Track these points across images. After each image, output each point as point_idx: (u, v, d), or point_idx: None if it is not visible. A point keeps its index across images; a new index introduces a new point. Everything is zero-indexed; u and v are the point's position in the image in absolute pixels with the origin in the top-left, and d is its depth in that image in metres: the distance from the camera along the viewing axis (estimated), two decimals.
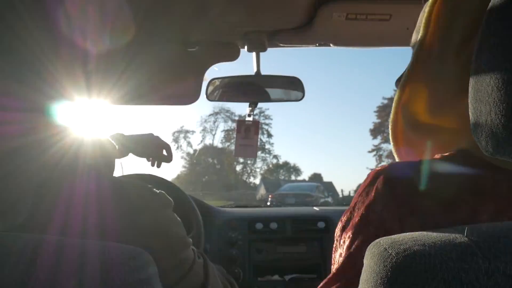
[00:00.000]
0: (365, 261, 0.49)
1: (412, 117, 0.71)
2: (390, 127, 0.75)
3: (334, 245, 0.70)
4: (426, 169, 0.64)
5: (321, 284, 0.67)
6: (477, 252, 0.42)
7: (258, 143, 1.68)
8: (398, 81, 0.80)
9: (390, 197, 0.62)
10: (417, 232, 0.48)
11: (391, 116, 0.74)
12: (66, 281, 0.43)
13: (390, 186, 0.63)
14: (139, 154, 1.51)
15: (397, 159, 0.77)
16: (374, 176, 0.66)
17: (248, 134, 1.61)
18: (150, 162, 1.55)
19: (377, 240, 0.49)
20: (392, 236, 0.48)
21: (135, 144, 1.47)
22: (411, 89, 0.71)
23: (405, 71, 0.72)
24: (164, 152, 1.54)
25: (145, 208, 0.75)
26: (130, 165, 1.76)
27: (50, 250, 0.45)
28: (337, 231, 0.69)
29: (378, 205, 0.63)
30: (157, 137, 1.55)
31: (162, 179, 1.64)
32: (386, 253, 0.45)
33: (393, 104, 0.73)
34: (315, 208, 2.22)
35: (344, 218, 0.69)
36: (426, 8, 0.70)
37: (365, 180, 0.68)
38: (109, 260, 0.46)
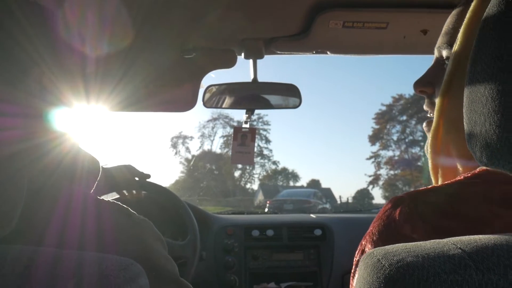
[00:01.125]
0: (358, 271, 0.49)
1: (451, 123, 0.69)
2: (430, 135, 0.73)
3: (352, 270, 0.69)
4: (451, 192, 0.63)
5: None
6: (471, 264, 0.41)
7: (256, 149, 1.68)
8: (417, 84, 0.79)
9: (418, 218, 0.60)
10: (411, 243, 0.48)
11: (433, 125, 0.72)
12: None
13: (416, 208, 0.61)
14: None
15: (430, 171, 0.75)
16: (397, 201, 0.65)
17: (245, 141, 1.61)
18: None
19: (371, 250, 0.48)
20: (386, 246, 0.48)
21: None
22: (451, 97, 0.69)
23: (444, 77, 0.70)
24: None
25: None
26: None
27: (40, 261, 0.45)
28: (357, 256, 0.67)
29: (404, 228, 0.61)
30: (130, 167, 1.52)
31: (159, 185, 1.64)
32: (379, 264, 0.44)
33: (435, 114, 0.71)
34: (312, 215, 2.22)
35: (363, 242, 0.67)
36: (468, 14, 0.67)
37: (384, 206, 0.66)
38: (100, 271, 0.45)
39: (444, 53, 0.75)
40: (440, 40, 0.76)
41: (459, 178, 0.66)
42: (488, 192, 0.61)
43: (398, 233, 0.61)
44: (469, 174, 0.65)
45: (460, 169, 0.69)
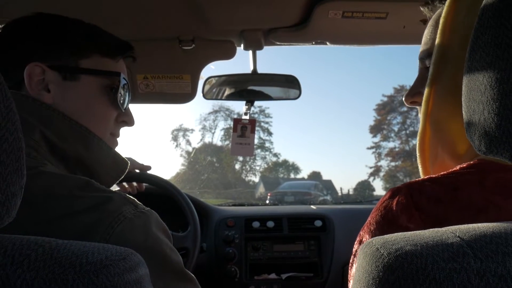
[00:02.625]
0: (357, 260, 0.49)
1: (438, 125, 0.71)
2: (418, 139, 0.75)
3: (350, 261, 0.70)
4: (446, 181, 0.64)
5: None
6: (469, 252, 0.41)
7: (257, 142, 1.68)
8: (407, 96, 0.81)
9: (413, 208, 0.61)
10: (410, 232, 0.48)
11: (420, 128, 0.75)
12: (53, 281, 0.42)
13: (413, 199, 0.62)
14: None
15: (421, 174, 0.77)
16: (394, 191, 0.66)
17: (245, 133, 1.60)
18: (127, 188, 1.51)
19: (370, 239, 0.48)
20: (385, 235, 0.48)
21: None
22: (436, 98, 0.71)
23: (427, 81, 0.73)
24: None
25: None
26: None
27: (40, 251, 0.45)
28: (355, 246, 0.69)
29: (401, 218, 0.62)
30: (130, 160, 1.51)
31: (159, 178, 1.64)
32: (378, 253, 0.44)
33: (421, 118, 0.74)
34: (312, 206, 2.22)
35: (361, 233, 0.68)
36: (441, 20, 0.71)
37: (383, 197, 0.68)
38: (100, 261, 0.45)
39: (427, 63, 0.77)
40: (421, 52, 0.79)
41: (455, 169, 0.67)
42: (483, 180, 0.62)
43: (395, 223, 0.62)
44: (465, 165, 0.66)
45: (451, 167, 0.70)
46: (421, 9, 0.83)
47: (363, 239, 0.66)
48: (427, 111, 0.72)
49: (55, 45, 0.83)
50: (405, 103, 0.83)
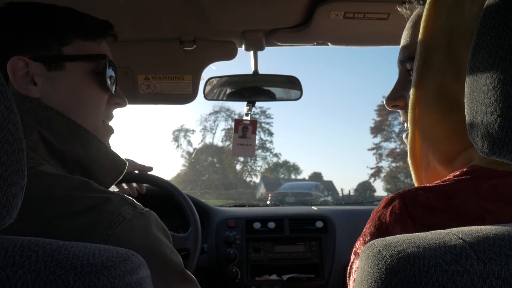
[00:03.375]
0: (359, 262, 0.49)
1: (426, 132, 0.71)
2: (408, 147, 0.74)
3: (348, 271, 0.69)
4: (441, 189, 0.63)
5: None
6: (472, 255, 0.41)
7: (258, 142, 1.68)
8: (389, 99, 0.80)
9: (407, 218, 0.61)
10: (412, 234, 0.48)
11: (409, 136, 0.74)
12: (54, 283, 0.42)
13: (407, 208, 0.61)
14: None
15: (415, 182, 0.76)
16: (388, 201, 0.65)
17: (246, 133, 1.60)
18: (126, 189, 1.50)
19: (372, 241, 0.48)
20: (387, 237, 0.48)
21: None
22: (421, 104, 0.70)
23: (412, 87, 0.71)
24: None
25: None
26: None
27: (41, 252, 0.45)
28: (352, 256, 0.68)
29: (395, 228, 0.61)
30: (130, 161, 1.50)
31: (160, 178, 1.64)
32: (380, 255, 0.44)
33: (409, 125, 0.73)
34: (313, 207, 2.21)
35: (357, 244, 0.67)
36: (421, 24, 0.70)
37: (377, 207, 0.67)
38: (101, 262, 0.45)
39: (408, 66, 0.76)
40: (402, 55, 0.78)
41: (449, 177, 0.66)
42: (477, 188, 0.62)
43: (389, 234, 0.61)
44: (458, 172, 0.66)
45: (444, 174, 0.70)
46: (398, 9, 0.82)
47: (359, 251, 0.66)
48: (415, 118, 0.71)
49: (34, 35, 0.81)
50: (386, 107, 0.81)
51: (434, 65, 0.68)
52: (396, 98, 0.79)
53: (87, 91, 0.85)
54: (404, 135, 0.79)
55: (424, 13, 0.69)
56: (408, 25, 0.77)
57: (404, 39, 0.78)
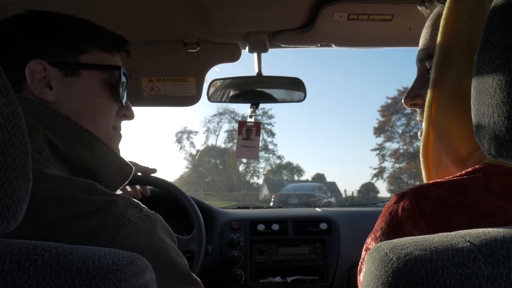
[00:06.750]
0: (366, 265, 0.48)
1: (441, 130, 0.70)
2: (421, 145, 0.74)
3: (358, 267, 0.69)
4: (452, 185, 0.63)
5: None
6: (480, 258, 0.41)
7: (261, 143, 1.68)
8: (407, 98, 0.80)
9: (419, 214, 0.60)
10: (419, 236, 0.48)
11: (423, 134, 0.73)
12: (60, 286, 0.42)
13: (418, 204, 0.61)
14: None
15: (425, 179, 0.76)
16: (399, 196, 0.65)
17: (250, 135, 1.60)
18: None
19: (378, 244, 0.48)
20: (394, 240, 0.48)
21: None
22: (439, 102, 0.70)
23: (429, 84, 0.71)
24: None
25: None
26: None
27: (46, 256, 0.45)
28: (363, 252, 0.68)
29: (406, 224, 0.61)
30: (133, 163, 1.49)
31: (164, 180, 1.64)
32: (387, 257, 0.44)
33: (424, 123, 0.72)
34: (317, 209, 2.21)
35: (368, 240, 0.67)
36: (441, 22, 0.69)
37: (389, 202, 0.67)
38: (106, 266, 0.45)
39: (427, 64, 0.76)
40: (421, 54, 0.77)
41: (461, 173, 0.66)
42: (489, 184, 0.61)
43: (400, 230, 0.61)
44: (471, 169, 0.65)
45: (455, 174, 0.69)
46: (418, 8, 0.82)
47: (370, 247, 0.66)
48: (430, 116, 0.71)
49: (53, 42, 0.83)
50: (404, 105, 0.81)
51: (452, 65, 0.68)
52: (415, 96, 0.79)
53: (100, 99, 0.88)
54: (419, 134, 0.78)
55: (445, 12, 0.69)
56: (428, 23, 0.77)
57: (423, 37, 0.77)
